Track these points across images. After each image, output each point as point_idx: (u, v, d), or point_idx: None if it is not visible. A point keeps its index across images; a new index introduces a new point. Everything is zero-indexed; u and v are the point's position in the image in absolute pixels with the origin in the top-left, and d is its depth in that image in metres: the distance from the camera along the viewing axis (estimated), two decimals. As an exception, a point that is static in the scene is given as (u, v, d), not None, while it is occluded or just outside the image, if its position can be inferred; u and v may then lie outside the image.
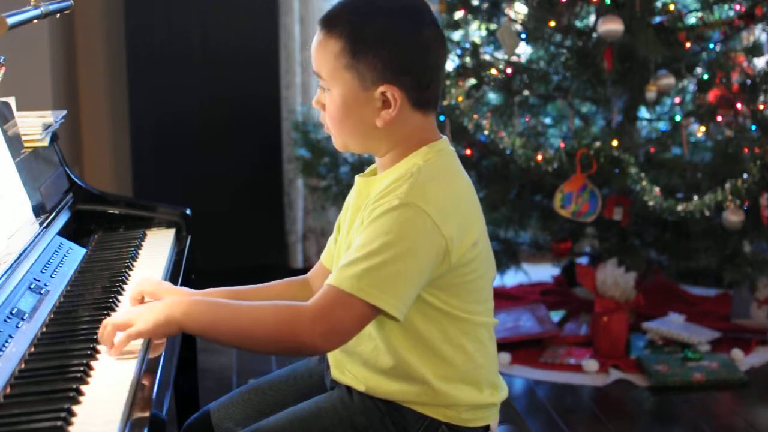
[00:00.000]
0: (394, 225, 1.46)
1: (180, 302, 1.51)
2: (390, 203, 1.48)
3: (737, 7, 3.46)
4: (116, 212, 2.22)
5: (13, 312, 1.50)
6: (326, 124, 1.59)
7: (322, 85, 1.57)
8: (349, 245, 1.54)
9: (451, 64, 3.61)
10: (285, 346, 1.50)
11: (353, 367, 1.60)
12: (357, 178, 1.64)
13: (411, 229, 1.47)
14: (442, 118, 3.35)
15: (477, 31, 3.86)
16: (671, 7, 3.41)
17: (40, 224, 1.85)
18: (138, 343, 1.48)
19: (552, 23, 3.45)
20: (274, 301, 1.54)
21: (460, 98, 3.39)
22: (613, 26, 3.23)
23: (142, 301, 1.67)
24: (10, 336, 1.44)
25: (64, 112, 2.26)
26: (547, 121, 3.90)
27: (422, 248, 1.47)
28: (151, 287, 1.69)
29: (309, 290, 1.75)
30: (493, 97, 3.78)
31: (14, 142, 1.91)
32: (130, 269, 1.89)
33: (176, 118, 4.16)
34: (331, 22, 1.54)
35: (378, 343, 1.55)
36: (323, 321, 1.46)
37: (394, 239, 1.46)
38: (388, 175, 1.57)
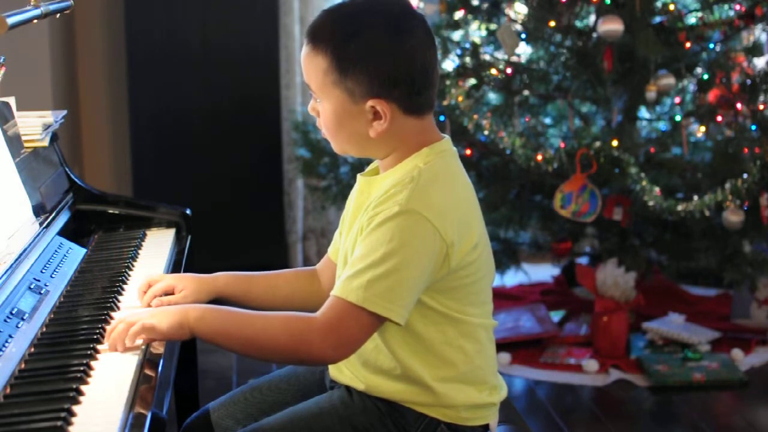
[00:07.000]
0: (396, 233, 1.46)
1: (194, 308, 1.51)
2: (390, 210, 1.48)
3: (737, 7, 3.46)
4: (116, 212, 2.21)
5: (13, 312, 1.50)
6: (322, 131, 1.60)
7: (313, 96, 1.58)
8: (352, 246, 1.54)
9: (451, 64, 3.61)
10: (295, 357, 1.53)
11: (352, 366, 1.61)
12: (359, 176, 1.64)
13: (412, 236, 1.47)
14: (442, 118, 3.34)
15: (477, 31, 3.86)
16: (671, 7, 3.41)
17: (40, 224, 1.85)
18: (138, 343, 1.48)
19: (552, 23, 3.45)
20: (284, 312, 1.54)
21: (460, 98, 3.38)
22: (613, 26, 3.23)
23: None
24: (10, 336, 1.44)
25: (64, 112, 2.26)
26: (547, 121, 3.89)
27: (424, 255, 1.47)
28: (159, 276, 1.72)
29: (317, 281, 1.78)
30: (493, 97, 3.77)
31: (14, 142, 1.91)
32: (130, 269, 1.89)
33: (176, 118, 4.16)
34: (316, 37, 1.53)
35: (378, 343, 1.56)
36: (332, 333, 1.47)
37: (396, 247, 1.46)
38: (389, 175, 1.57)
